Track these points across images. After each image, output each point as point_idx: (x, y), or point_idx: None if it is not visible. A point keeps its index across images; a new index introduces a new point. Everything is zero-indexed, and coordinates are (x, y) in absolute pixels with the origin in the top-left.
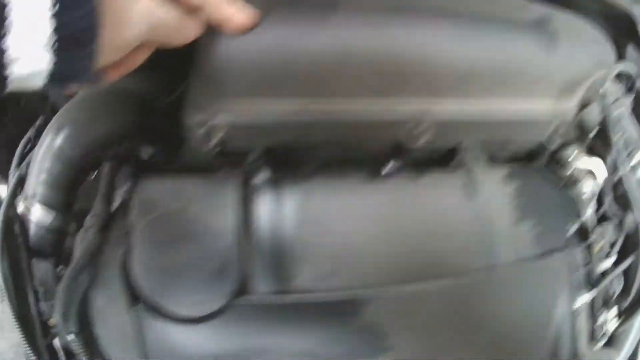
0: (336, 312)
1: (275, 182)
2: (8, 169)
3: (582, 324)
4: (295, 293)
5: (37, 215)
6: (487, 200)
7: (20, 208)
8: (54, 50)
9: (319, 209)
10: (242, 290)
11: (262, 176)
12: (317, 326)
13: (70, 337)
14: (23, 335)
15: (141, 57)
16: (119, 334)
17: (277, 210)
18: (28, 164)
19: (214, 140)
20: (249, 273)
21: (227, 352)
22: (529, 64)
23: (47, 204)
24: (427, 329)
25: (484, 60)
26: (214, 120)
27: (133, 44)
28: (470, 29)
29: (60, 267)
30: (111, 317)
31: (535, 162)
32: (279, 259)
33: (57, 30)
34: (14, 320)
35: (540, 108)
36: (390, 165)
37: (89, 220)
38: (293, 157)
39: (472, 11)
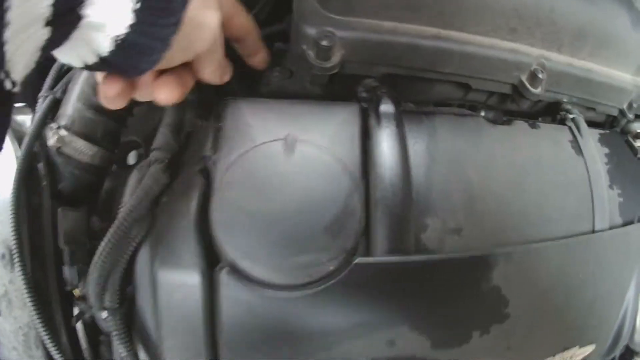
0: (461, 275)
1: (398, 116)
2: (37, 93)
3: None
4: (420, 253)
5: (75, 148)
6: (590, 161)
7: (51, 140)
8: (138, 9)
9: (446, 151)
10: (357, 248)
11: (384, 107)
12: (441, 291)
13: (104, 313)
14: (36, 311)
15: (187, 85)
16: (183, 307)
17: (401, 149)
18: (66, 85)
19: (335, 58)
20: (368, 226)
21: (334, 327)
22: (622, 36)
23: (89, 134)
24: (538, 291)
25: (594, 23)
26: (341, 32)
27: (198, 49)
28: None
29: (95, 218)
30: (174, 285)
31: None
32: (403, 209)
33: None
34: (25, 290)
35: (624, 77)
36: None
37: (153, 154)
38: (409, 90)
39: None
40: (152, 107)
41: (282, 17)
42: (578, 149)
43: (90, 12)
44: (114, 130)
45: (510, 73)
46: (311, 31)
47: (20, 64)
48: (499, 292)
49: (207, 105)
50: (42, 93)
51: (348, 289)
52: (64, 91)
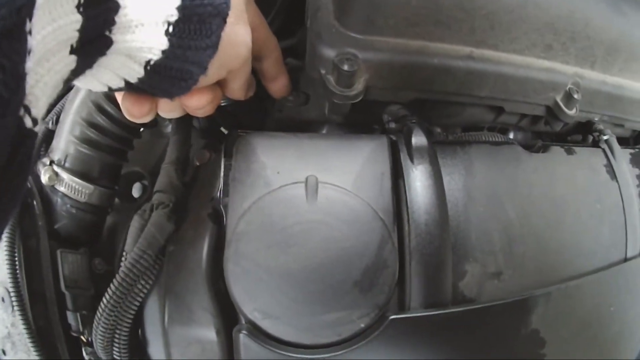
0: (501, 322)
1: (432, 149)
2: None
3: None
4: (459, 303)
5: (70, 187)
6: (624, 185)
7: (44, 177)
8: (171, 33)
9: (484, 186)
10: (389, 302)
11: (417, 139)
12: (480, 340)
13: None
14: (39, 357)
15: (218, 99)
16: None
17: (437, 188)
18: (57, 116)
19: (358, 84)
20: (402, 277)
21: None
22: None
23: (85, 172)
24: (573, 328)
25: (626, 36)
26: (364, 54)
27: (233, 67)
28: (619, 3)
29: (97, 261)
30: (189, 340)
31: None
32: (440, 257)
33: (183, 9)
34: (27, 336)
35: None
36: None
37: (156, 197)
38: (437, 115)
39: None
40: (155, 136)
41: (293, 30)
42: (612, 173)
43: (121, 37)
44: (113, 166)
45: (546, 94)
46: (330, 53)
47: (42, 99)
48: (537, 335)
49: (215, 132)
50: None
51: (383, 347)
52: (57, 121)
